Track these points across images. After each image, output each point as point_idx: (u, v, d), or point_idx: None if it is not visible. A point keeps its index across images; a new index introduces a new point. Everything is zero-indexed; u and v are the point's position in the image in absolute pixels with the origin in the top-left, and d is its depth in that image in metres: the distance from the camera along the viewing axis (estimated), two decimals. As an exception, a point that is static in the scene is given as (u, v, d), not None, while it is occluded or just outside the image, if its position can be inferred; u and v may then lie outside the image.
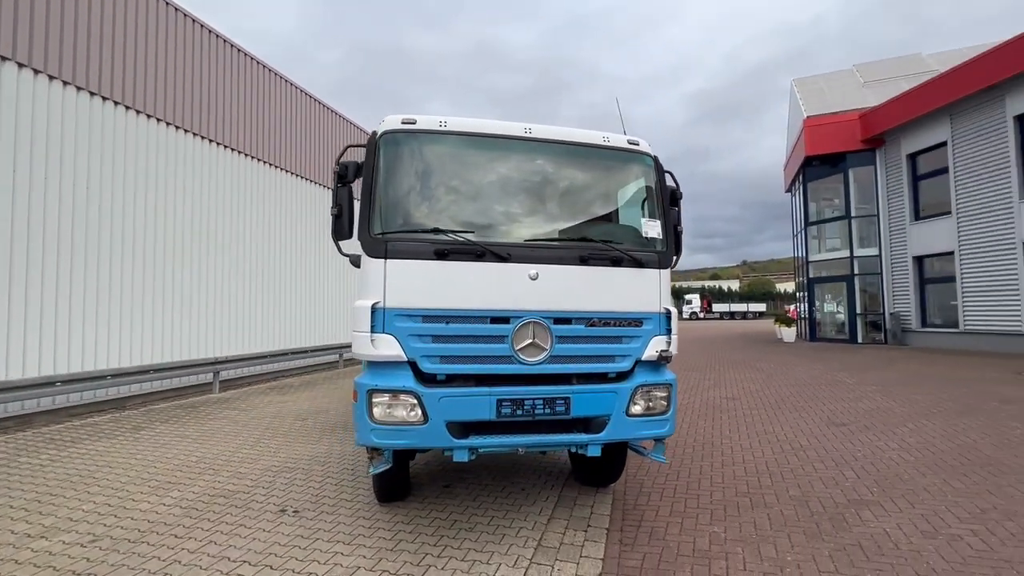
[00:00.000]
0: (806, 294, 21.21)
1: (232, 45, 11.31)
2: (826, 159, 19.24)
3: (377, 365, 3.16)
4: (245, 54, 11.68)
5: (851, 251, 18.82)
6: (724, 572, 2.95)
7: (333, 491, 4.26)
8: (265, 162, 12.24)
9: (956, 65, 15.09)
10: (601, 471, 4.25)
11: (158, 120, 9.46)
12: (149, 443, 5.83)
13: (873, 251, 18.24)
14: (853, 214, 18.84)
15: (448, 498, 4.10)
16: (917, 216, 16.68)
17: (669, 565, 3.06)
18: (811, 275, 20.73)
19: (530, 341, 3.19)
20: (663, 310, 3.50)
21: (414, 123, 3.36)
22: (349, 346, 15.19)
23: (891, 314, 17.38)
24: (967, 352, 13.93)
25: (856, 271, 18.65)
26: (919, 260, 16.60)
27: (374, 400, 3.04)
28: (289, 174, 13.10)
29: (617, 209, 3.76)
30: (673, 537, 3.43)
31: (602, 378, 3.36)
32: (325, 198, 14.65)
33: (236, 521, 3.66)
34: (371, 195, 3.26)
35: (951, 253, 15.20)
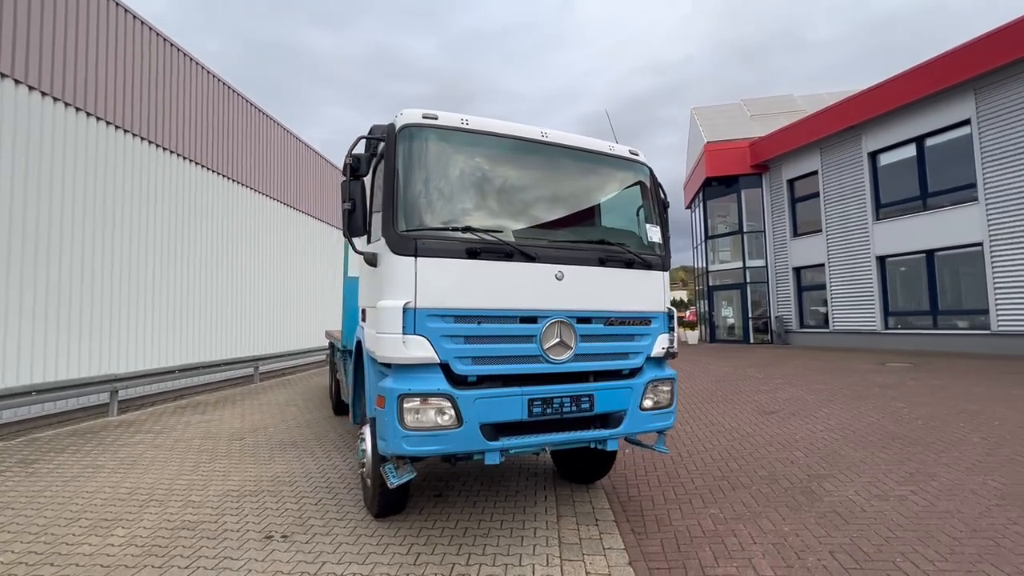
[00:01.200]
0: (706, 300, 23.57)
1: (127, 10, 9.91)
2: (723, 180, 21.68)
3: (404, 368, 2.98)
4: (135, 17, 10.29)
5: (743, 262, 21.32)
6: (739, 546, 3.21)
7: (316, 511, 3.90)
8: (168, 150, 10.83)
9: (823, 108, 17.95)
10: (593, 467, 4.37)
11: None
12: (52, 478, 4.84)
13: (761, 262, 20.84)
14: (744, 229, 21.39)
15: (446, 506, 3.96)
16: (796, 232, 19.40)
17: (687, 546, 3.25)
18: (710, 283, 23.10)
19: (558, 340, 3.22)
20: (666, 309, 3.74)
21: (435, 118, 3.26)
22: (267, 358, 13.84)
23: (776, 317, 19.95)
24: (837, 348, 16.43)
25: (748, 280, 21.16)
26: (797, 270, 19.30)
27: (405, 405, 2.87)
28: (194, 164, 11.70)
29: (622, 214, 3.95)
30: (678, 522, 3.65)
31: (617, 375, 3.49)
32: (239, 195, 13.35)
33: (217, 553, 3.20)
34: (393, 190, 3.09)
35: (822, 265, 17.89)
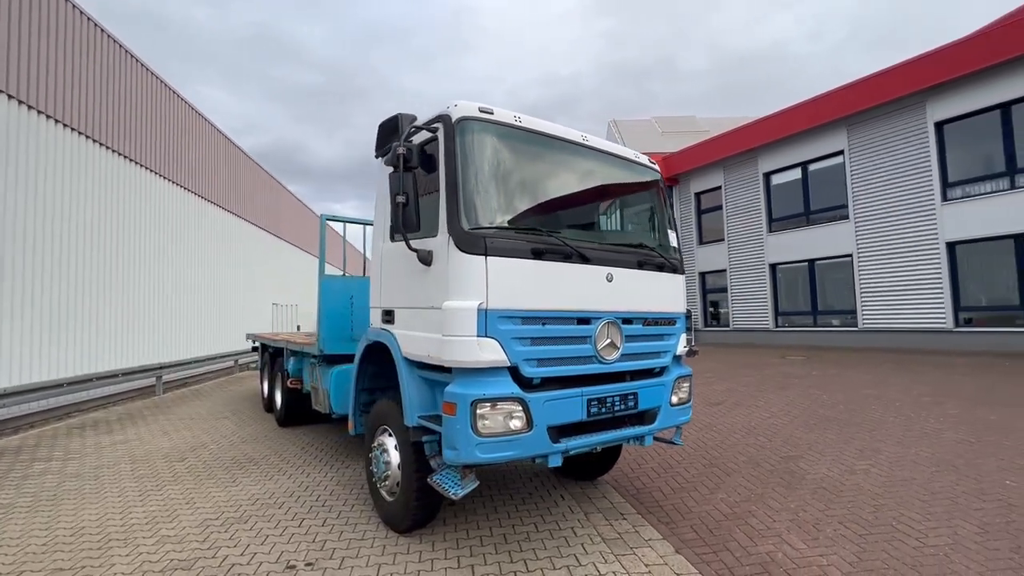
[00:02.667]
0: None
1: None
2: (639, 190, 23.32)
3: (471, 372, 2.83)
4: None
5: (656, 266, 23.13)
6: (763, 525, 3.51)
7: (329, 533, 3.54)
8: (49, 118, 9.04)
9: (726, 131, 20.16)
10: (601, 464, 4.50)
11: None
12: (-56, 524, 3.82)
13: (671, 267, 22.79)
14: (657, 236, 23.23)
15: (467, 515, 3.82)
16: (702, 241, 21.51)
17: (718, 530, 3.49)
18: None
19: (609, 341, 3.28)
20: (685, 311, 3.98)
21: (491, 113, 3.14)
22: (173, 366, 12.42)
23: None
24: (739, 344, 18.52)
25: (659, 283, 22.97)
26: (703, 275, 21.42)
27: (479, 411, 2.73)
28: (87, 140, 9.90)
29: (647, 219, 4.12)
30: (696, 508, 3.90)
31: (650, 373, 3.64)
32: (128, 173, 11.55)
33: (240, 593, 2.77)
34: (455, 185, 2.93)
35: (724, 270, 20.06)
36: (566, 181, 3.56)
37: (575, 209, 3.56)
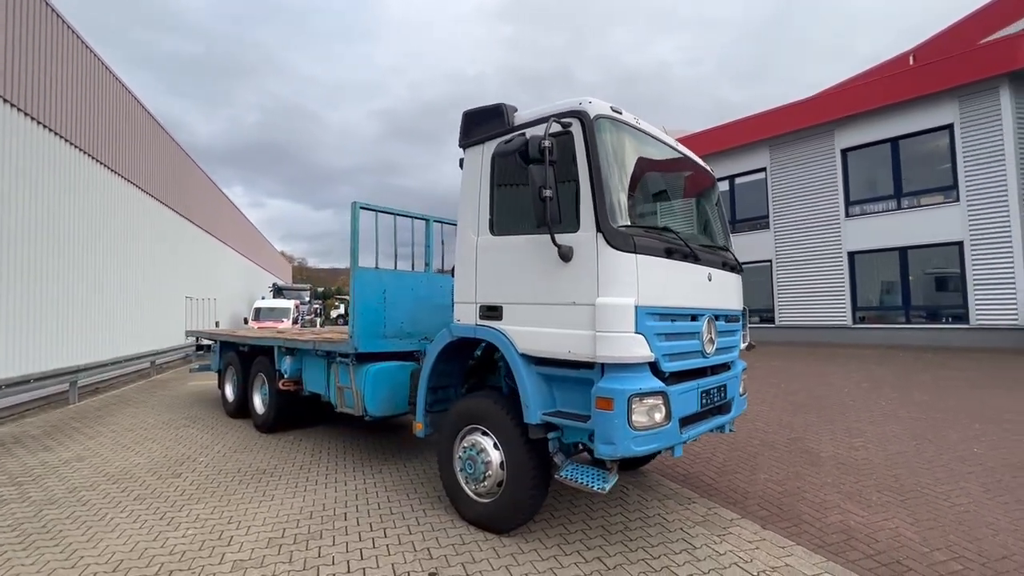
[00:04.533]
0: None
1: None
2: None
3: (619, 368, 2.88)
4: None
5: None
6: (818, 499, 3.95)
7: (423, 540, 3.37)
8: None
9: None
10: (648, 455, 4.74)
11: None
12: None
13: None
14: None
15: (551, 511, 3.84)
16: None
17: (785, 506, 3.87)
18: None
19: (710, 336, 3.50)
20: (744, 308, 4.35)
21: (620, 113, 3.21)
22: (93, 368, 11.05)
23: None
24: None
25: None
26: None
27: (634, 405, 2.80)
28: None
29: (719, 218, 4.38)
30: (751, 488, 4.27)
31: (725, 367, 3.93)
32: (27, 133, 9.71)
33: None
34: (601, 182, 2.95)
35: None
36: (669, 183, 3.72)
37: (678, 210, 3.73)
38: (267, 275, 35.54)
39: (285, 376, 6.04)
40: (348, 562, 3.07)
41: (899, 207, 14.45)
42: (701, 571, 2.95)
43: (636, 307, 2.87)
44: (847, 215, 15.36)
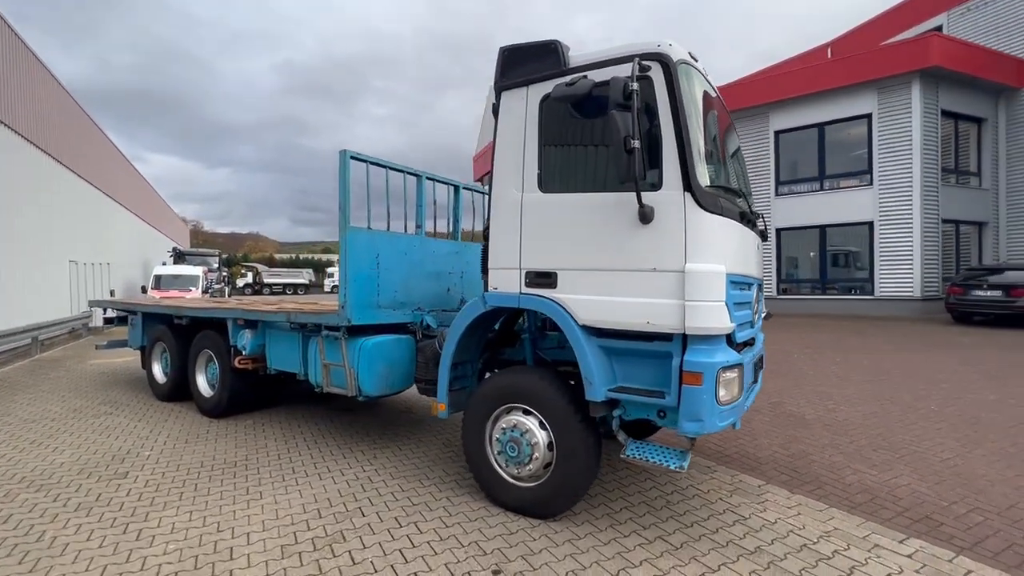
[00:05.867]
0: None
1: None
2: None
3: (704, 340, 2.67)
4: None
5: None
6: (826, 460, 4.13)
7: (467, 533, 3.03)
8: None
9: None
10: (654, 425, 4.71)
11: None
12: None
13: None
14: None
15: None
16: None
17: (800, 468, 4.00)
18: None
19: (756, 305, 3.41)
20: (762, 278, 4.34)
21: (697, 60, 2.90)
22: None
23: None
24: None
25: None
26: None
27: (721, 379, 2.62)
28: None
29: (747, 180, 4.23)
30: (760, 453, 4.38)
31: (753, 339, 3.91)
32: None
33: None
34: (686, 135, 2.65)
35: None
36: (725, 138, 3.49)
37: (730, 169, 3.52)
38: (164, 239, 31.50)
39: (244, 353, 5.21)
40: (393, 567, 2.65)
41: (821, 188, 15.80)
42: (764, 541, 2.91)
43: (727, 275, 2.67)
44: (776, 193, 16.54)
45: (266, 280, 42.93)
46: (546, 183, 3.14)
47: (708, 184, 2.73)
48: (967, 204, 15.05)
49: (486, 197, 6.60)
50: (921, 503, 3.39)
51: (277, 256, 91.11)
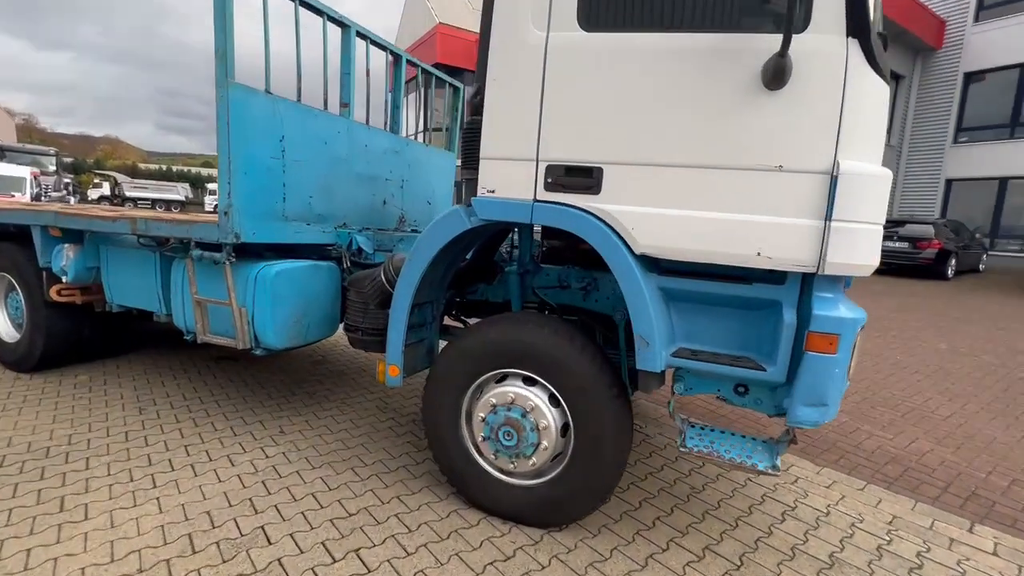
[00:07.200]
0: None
1: None
2: (451, 71, 21.15)
3: (829, 284, 1.76)
4: None
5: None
6: (839, 425, 3.67)
7: (471, 546, 1.99)
8: None
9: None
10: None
11: None
12: None
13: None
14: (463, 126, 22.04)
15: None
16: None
17: (814, 438, 3.48)
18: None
19: None
20: None
21: None
22: None
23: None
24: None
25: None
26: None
27: (859, 343, 1.78)
28: None
29: None
30: (763, 418, 3.82)
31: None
32: None
33: None
34: None
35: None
36: None
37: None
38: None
39: (66, 278, 3.45)
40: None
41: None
42: (833, 544, 2.25)
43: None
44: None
45: (128, 193, 32.60)
46: (593, 14, 1.87)
47: (880, 30, 1.68)
48: (871, 160, 16.01)
49: (450, 87, 5.06)
50: (958, 475, 2.99)
51: (143, 166, 76.99)
